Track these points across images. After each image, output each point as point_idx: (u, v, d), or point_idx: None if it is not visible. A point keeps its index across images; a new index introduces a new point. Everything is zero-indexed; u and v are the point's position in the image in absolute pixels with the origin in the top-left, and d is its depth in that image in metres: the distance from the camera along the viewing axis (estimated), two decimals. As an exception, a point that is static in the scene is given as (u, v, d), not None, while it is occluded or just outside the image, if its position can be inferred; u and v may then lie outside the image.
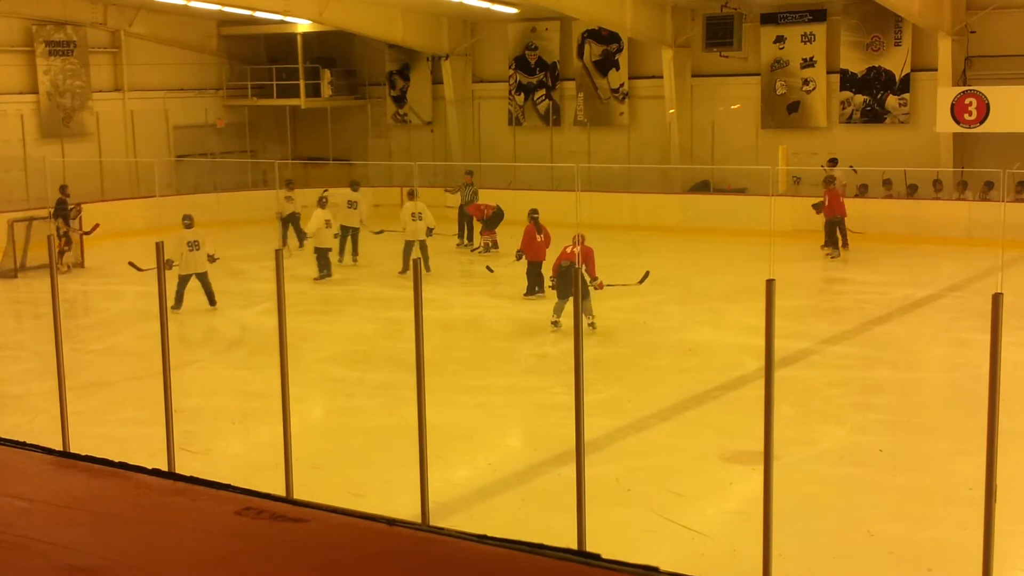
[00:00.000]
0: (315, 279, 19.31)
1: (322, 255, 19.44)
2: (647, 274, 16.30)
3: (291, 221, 22.29)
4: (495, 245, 22.15)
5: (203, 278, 16.91)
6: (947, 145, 23.46)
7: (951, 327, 15.76)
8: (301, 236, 21.45)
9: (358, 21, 27.67)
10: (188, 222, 17.22)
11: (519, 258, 17.58)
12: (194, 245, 16.82)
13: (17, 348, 15.52)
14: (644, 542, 8.27)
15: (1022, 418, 10.37)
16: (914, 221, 22.81)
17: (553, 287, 15.58)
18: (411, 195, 20.00)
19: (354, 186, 21.79)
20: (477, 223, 22.55)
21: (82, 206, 21.61)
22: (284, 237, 21.91)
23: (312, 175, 30.00)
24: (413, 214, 19.48)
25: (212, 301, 17.07)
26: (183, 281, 16.72)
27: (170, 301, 16.06)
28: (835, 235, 21.10)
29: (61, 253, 20.63)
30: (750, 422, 9.58)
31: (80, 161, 25.76)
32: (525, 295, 17.47)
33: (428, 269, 19.11)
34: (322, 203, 19.59)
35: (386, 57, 30.70)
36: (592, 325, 14.88)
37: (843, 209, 21.19)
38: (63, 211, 21.18)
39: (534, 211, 17.64)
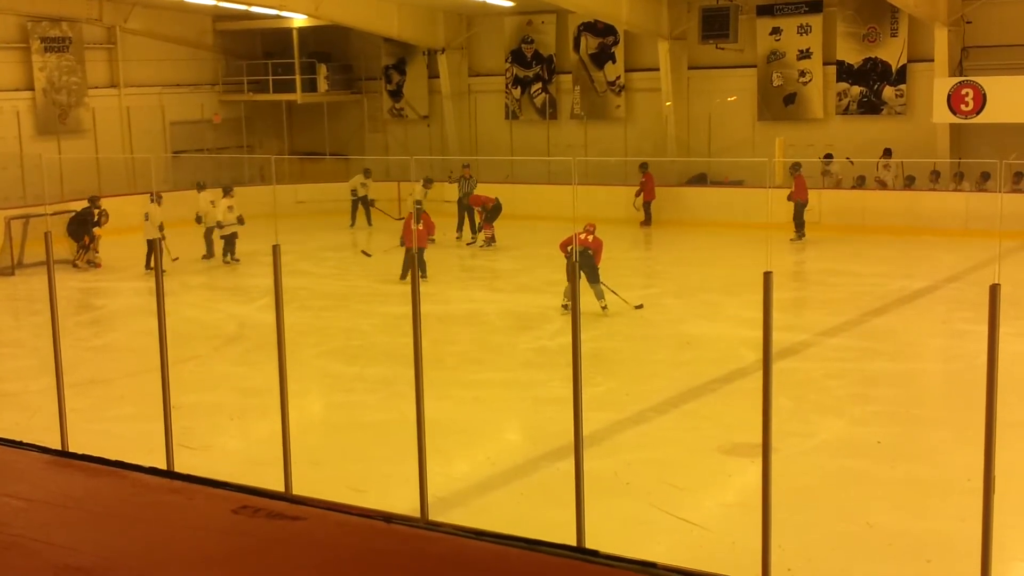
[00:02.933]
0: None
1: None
2: (641, 306, 16.03)
3: (363, 202, 25.51)
4: (493, 239, 22.18)
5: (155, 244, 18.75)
6: (944, 136, 23.44)
7: (949, 318, 15.77)
8: (369, 218, 25.56)
9: (354, 15, 27.62)
10: (151, 197, 20.80)
11: (402, 244, 18.89)
12: (147, 216, 20.30)
13: (15, 345, 15.51)
14: (643, 535, 8.27)
15: (1020, 409, 10.39)
16: (911, 212, 22.82)
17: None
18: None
19: (427, 183, 23.83)
20: (478, 216, 22.59)
21: (108, 214, 21.57)
22: (353, 217, 25.45)
23: (308, 170, 29.96)
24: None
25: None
26: (148, 245, 19.44)
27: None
28: (801, 219, 21.99)
29: (84, 249, 20.78)
30: (748, 414, 9.56)
31: (76, 158, 25.71)
32: (401, 278, 18.24)
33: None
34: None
35: (382, 51, 30.65)
36: (605, 308, 15.24)
37: (806, 195, 22.15)
38: (87, 220, 21.10)
39: (418, 202, 19.94)
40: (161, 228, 19.60)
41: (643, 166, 24.83)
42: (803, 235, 22.12)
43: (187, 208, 22.32)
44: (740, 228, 22.74)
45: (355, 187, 25.65)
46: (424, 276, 18.31)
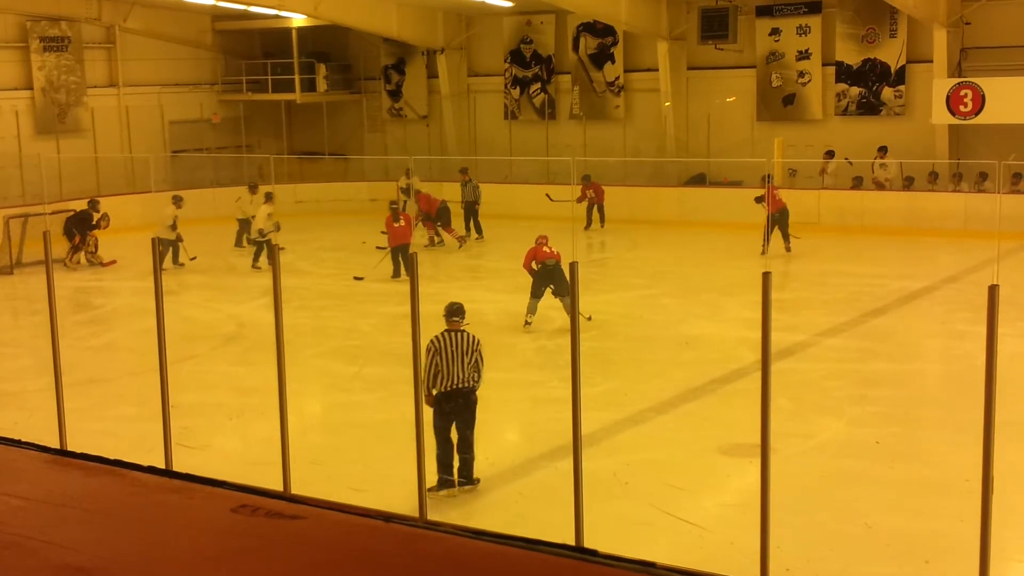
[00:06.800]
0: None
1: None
2: (590, 318, 15.11)
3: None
4: (442, 241, 22.17)
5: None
6: (943, 137, 23.45)
7: (948, 319, 15.77)
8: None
9: (353, 15, 27.62)
10: (173, 200, 20.74)
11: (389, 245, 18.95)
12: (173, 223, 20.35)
13: (14, 345, 15.50)
14: (642, 535, 8.28)
15: (1018, 409, 10.40)
16: (910, 213, 22.82)
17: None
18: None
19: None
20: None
21: (109, 217, 21.43)
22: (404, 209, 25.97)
23: (308, 170, 29.96)
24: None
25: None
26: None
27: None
28: (773, 231, 20.56)
29: (75, 249, 20.75)
30: (747, 415, 9.55)
31: (75, 157, 25.71)
32: (392, 277, 18.34)
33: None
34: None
35: (381, 51, 30.65)
36: (589, 318, 14.87)
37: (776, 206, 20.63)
38: (84, 222, 21.07)
39: (393, 202, 20.38)
40: (175, 227, 20.04)
41: (585, 178, 24.24)
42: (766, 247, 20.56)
43: (202, 207, 22.45)
44: (740, 228, 22.73)
45: (404, 187, 25.58)
46: (399, 275, 18.42)
